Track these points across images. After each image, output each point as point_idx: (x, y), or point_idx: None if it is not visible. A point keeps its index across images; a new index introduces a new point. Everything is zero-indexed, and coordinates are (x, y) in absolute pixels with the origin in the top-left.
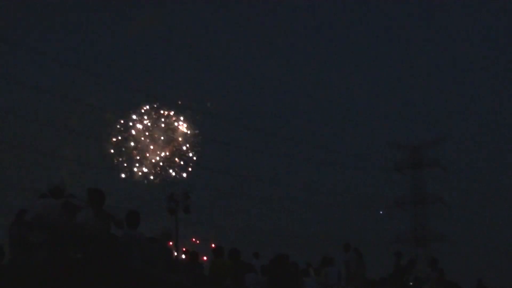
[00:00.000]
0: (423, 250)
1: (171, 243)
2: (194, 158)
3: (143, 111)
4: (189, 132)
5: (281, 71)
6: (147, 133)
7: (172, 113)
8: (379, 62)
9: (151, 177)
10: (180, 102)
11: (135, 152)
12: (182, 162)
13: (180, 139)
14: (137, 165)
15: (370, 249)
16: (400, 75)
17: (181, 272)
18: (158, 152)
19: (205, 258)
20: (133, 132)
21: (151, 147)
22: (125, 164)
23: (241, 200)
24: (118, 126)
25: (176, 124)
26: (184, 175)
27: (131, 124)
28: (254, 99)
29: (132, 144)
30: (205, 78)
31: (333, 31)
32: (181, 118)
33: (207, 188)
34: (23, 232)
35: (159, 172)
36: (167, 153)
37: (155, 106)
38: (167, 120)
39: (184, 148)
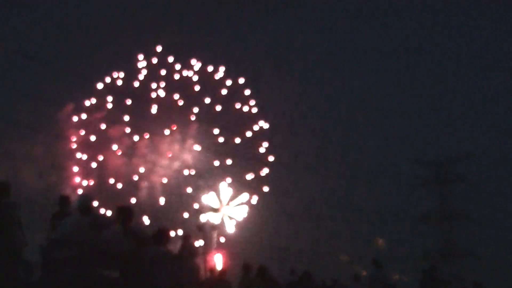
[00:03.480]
0: (450, 266)
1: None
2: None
3: None
4: None
5: (305, 88)
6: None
7: None
8: (404, 76)
9: None
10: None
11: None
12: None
13: None
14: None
15: (397, 265)
16: (426, 90)
17: None
18: None
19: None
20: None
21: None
22: None
23: (269, 216)
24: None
25: None
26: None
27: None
28: (279, 113)
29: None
30: None
31: (359, 46)
32: None
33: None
34: (51, 249)
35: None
36: None
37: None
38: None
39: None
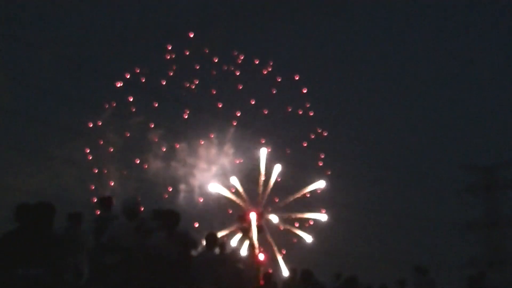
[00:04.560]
0: (497, 274)
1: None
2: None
3: None
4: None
5: (352, 93)
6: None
7: None
8: (452, 81)
9: None
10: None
11: None
12: None
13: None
14: None
15: (442, 272)
16: (473, 94)
17: None
18: None
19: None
20: None
21: None
22: None
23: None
24: None
25: None
26: None
27: None
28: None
29: None
30: None
31: (409, 51)
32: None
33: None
34: (99, 254)
35: None
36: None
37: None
38: None
39: None
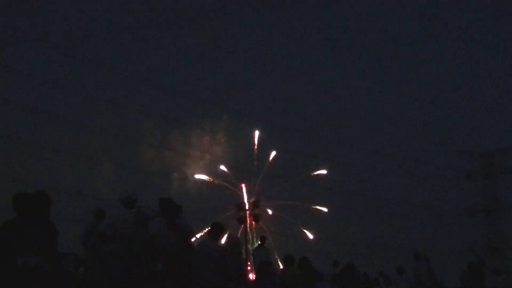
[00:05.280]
0: (497, 259)
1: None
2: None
3: None
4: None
5: (350, 80)
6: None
7: None
8: (449, 69)
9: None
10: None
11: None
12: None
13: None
14: None
15: (442, 258)
16: (471, 81)
17: (252, 282)
18: None
19: None
20: None
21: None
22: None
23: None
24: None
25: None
26: None
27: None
28: (317, 104)
29: None
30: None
31: (402, 40)
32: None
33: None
34: (98, 243)
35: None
36: None
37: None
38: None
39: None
